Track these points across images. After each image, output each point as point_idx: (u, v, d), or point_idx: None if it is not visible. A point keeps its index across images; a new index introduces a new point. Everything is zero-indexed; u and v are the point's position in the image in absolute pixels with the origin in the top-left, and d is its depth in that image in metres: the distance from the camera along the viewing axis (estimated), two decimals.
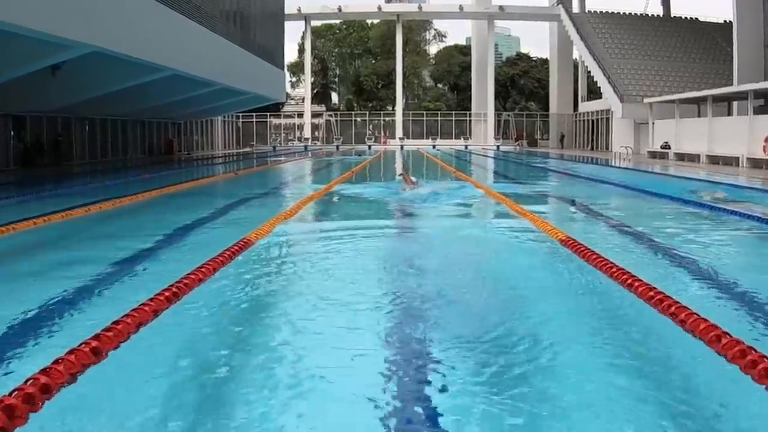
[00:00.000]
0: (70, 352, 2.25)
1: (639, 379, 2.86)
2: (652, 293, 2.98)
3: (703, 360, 2.67)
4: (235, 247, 4.75)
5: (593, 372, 2.95)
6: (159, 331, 2.98)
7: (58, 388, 2.05)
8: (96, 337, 2.40)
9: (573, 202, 10.99)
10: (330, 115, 51.68)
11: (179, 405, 2.60)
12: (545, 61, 56.73)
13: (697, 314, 2.62)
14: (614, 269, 3.59)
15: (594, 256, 4.12)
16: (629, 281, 3.27)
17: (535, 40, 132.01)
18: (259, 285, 4.60)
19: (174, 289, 3.18)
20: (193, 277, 3.55)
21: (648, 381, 2.84)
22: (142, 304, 2.83)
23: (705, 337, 2.45)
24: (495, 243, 6.50)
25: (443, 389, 2.66)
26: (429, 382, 2.74)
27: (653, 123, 29.85)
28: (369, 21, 62.17)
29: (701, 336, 2.48)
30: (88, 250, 6.19)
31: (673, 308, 2.76)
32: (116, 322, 2.56)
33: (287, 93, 51.60)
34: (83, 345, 2.32)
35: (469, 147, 41.72)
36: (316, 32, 59.86)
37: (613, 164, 23.39)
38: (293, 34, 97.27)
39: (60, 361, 2.16)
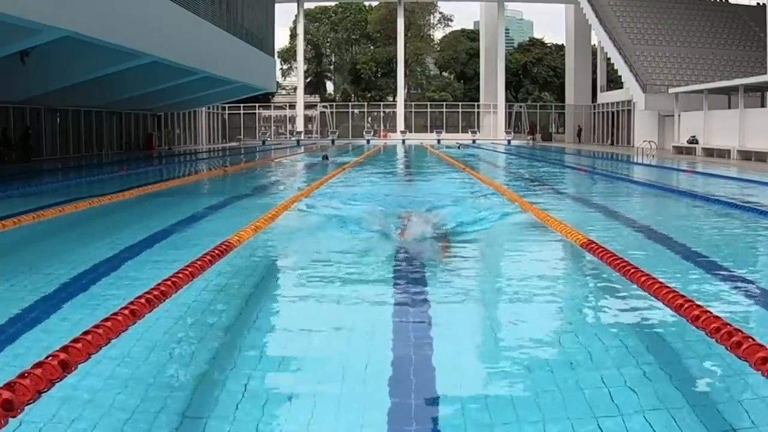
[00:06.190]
0: (37, 365, 2.27)
1: None
2: None
3: None
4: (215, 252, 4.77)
5: None
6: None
7: (22, 404, 2.06)
8: (64, 349, 2.41)
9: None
10: (325, 107, 51.64)
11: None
12: (561, 48, 56.80)
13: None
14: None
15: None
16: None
17: (550, 25, 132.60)
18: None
19: (149, 296, 3.20)
20: (169, 283, 3.57)
21: None
22: (114, 314, 2.85)
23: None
24: None
25: None
26: None
27: (679, 115, 29.85)
28: (367, 3, 62.29)
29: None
30: (61, 253, 6.21)
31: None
32: (86, 333, 2.58)
33: (278, 82, 51.59)
34: (50, 358, 2.33)
35: (477, 141, 41.75)
36: (310, 15, 59.90)
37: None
38: (284, 18, 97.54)
39: (26, 375, 2.18)
